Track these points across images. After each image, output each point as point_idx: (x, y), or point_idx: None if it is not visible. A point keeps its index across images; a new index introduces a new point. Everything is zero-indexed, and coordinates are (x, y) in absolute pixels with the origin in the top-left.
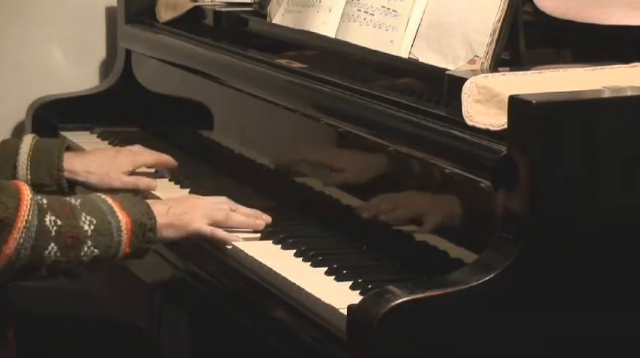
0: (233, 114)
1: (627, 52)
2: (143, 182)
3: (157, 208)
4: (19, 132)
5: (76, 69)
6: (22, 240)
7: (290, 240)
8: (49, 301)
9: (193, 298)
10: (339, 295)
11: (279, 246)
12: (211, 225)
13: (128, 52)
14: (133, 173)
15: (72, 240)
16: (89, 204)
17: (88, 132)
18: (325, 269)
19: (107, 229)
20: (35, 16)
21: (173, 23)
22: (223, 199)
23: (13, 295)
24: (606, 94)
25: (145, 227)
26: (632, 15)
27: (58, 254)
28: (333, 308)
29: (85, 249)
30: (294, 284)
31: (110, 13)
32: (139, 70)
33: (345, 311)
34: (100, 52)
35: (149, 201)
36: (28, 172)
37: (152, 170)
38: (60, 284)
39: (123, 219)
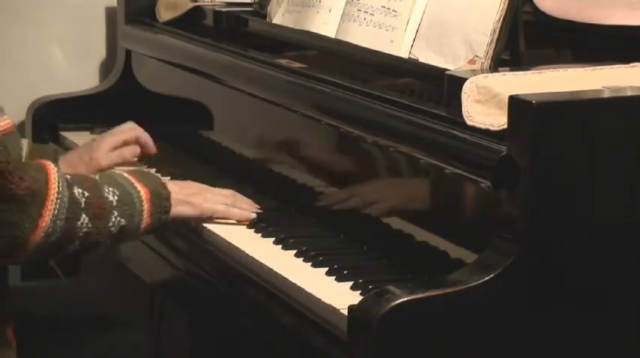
0: (233, 114)
1: (627, 52)
2: (127, 151)
3: (170, 185)
4: (19, 132)
5: (76, 69)
6: (56, 211)
7: (291, 241)
8: (49, 301)
9: (193, 298)
10: (339, 295)
11: (280, 246)
12: None
13: (128, 52)
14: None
15: (100, 211)
16: (108, 177)
17: (88, 132)
18: (326, 269)
19: (130, 199)
20: (35, 16)
21: (173, 23)
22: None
23: (13, 295)
24: (606, 94)
25: (161, 196)
26: (632, 15)
27: (90, 225)
28: (334, 308)
29: (113, 219)
30: (295, 284)
31: (110, 13)
32: (139, 70)
33: (345, 312)
34: (100, 52)
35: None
36: None
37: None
38: (60, 284)
39: (141, 189)
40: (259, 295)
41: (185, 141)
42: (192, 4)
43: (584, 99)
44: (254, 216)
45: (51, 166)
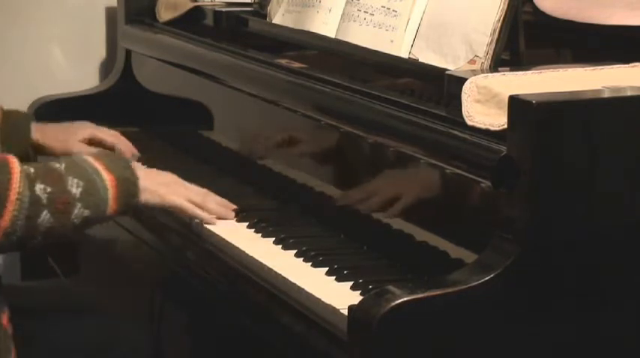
0: (233, 114)
1: (627, 52)
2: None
3: (140, 171)
4: None
5: (76, 69)
6: (16, 211)
7: (291, 241)
8: (49, 301)
9: (193, 298)
10: (339, 295)
11: (280, 246)
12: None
13: (128, 52)
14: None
15: (63, 206)
16: (73, 166)
17: None
18: (326, 269)
19: (94, 188)
20: (35, 16)
21: (173, 23)
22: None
23: (13, 294)
24: (606, 94)
25: (128, 181)
26: (632, 15)
27: (52, 220)
28: (334, 308)
29: (76, 211)
30: (295, 284)
31: (110, 13)
32: (139, 70)
33: (345, 312)
34: (100, 52)
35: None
36: None
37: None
38: (60, 284)
39: (107, 177)
40: (259, 295)
41: (185, 141)
42: (192, 4)
43: (584, 99)
44: (215, 220)
45: (15, 165)
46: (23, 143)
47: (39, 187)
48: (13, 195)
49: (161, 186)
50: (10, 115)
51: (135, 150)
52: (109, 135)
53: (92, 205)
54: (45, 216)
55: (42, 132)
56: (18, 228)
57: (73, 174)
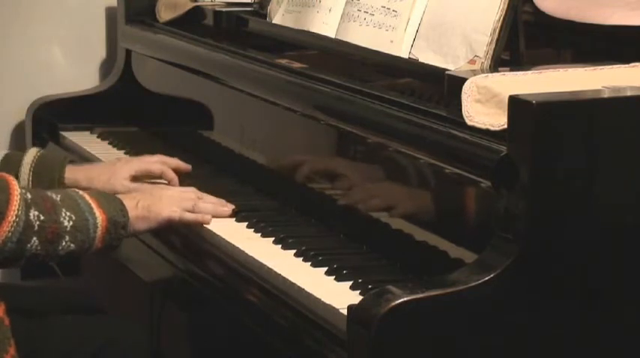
0: (233, 114)
1: (627, 52)
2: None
3: (127, 203)
4: (19, 132)
5: (76, 69)
6: (10, 233)
7: (290, 240)
8: (49, 300)
9: (193, 298)
10: (339, 295)
11: (280, 246)
12: None
13: (128, 52)
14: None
15: (52, 235)
16: (68, 199)
17: (88, 132)
18: (325, 269)
19: (85, 226)
20: (35, 16)
21: (173, 23)
22: (189, 189)
23: (13, 294)
24: (606, 94)
25: (118, 224)
26: (632, 15)
27: (39, 248)
28: (334, 308)
29: (63, 243)
30: (295, 284)
31: (110, 13)
32: (139, 70)
33: (345, 312)
34: (100, 52)
35: (119, 196)
36: (30, 185)
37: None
38: (60, 284)
39: (99, 216)
40: (259, 295)
41: (185, 141)
42: (192, 4)
43: (584, 99)
44: (209, 218)
45: (15, 186)
46: (53, 185)
47: (33, 213)
48: (10, 216)
49: (149, 209)
50: (46, 159)
51: (187, 167)
52: (155, 166)
53: (79, 241)
54: (34, 242)
55: (86, 177)
56: (7, 248)
57: (66, 207)
